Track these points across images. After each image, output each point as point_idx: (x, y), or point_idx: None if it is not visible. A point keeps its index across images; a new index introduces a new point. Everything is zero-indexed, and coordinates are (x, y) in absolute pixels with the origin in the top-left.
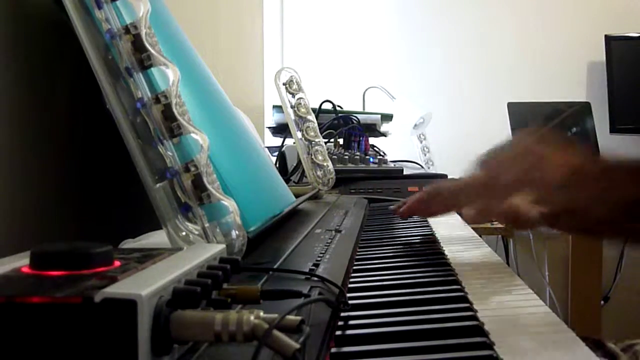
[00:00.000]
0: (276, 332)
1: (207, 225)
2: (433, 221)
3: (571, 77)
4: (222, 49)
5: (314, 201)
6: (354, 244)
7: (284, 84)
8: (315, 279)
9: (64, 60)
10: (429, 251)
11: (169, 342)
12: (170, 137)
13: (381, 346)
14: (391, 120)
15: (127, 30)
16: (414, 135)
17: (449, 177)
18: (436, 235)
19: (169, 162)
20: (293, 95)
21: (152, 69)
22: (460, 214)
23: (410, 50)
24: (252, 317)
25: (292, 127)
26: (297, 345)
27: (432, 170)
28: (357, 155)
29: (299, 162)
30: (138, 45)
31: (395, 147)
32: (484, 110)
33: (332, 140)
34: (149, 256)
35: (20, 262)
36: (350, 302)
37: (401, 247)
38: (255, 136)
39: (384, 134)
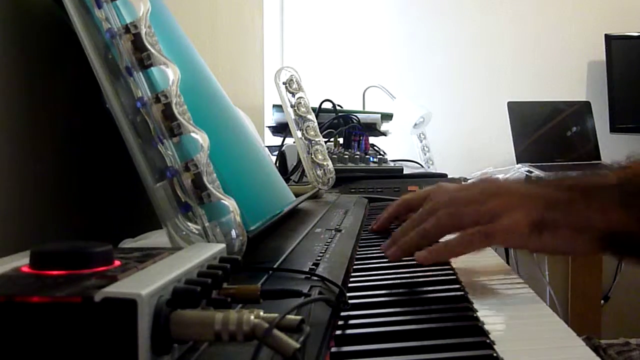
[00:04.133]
0: (276, 332)
1: (207, 224)
2: None
3: (571, 76)
4: (222, 49)
5: (314, 200)
6: (354, 244)
7: (284, 83)
8: (315, 278)
9: (63, 60)
10: None
11: (169, 341)
12: (171, 136)
13: (381, 346)
14: (391, 119)
15: (127, 29)
16: (414, 134)
17: (449, 176)
18: None
19: (169, 162)
20: (293, 94)
21: (152, 68)
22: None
23: (410, 50)
24: (252, 317)
25: (292, 126)
26: (297, 345)
27: (432, 170)
28: (357, 154)
29: (299, 162)
30: (138, 45)
31: (395, 146)
32: (483, 110)
33: (332, 139)
34: (149, 256)
35: (20, 261)
36: (350, 301)
37: None
38: (255, 135)
39: (384, 133)
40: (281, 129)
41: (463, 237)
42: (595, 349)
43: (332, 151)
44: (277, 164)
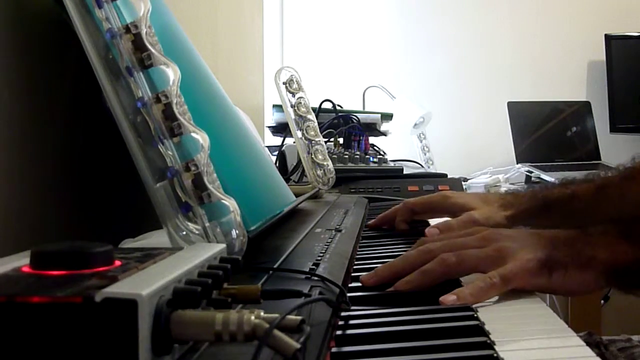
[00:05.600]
0: (277, 332)
1: (207, 224)
2: (433, 221)
3: (571, 76)
4: (222, 49)
5: (314, 200)
6: (354, 244)
7: (284, 83)
8: (316, 278)
9: (64, 60)
10: None
11: (169, 341)
12: (171, 136)
13: (381, 346)
14: (391, 119)
15: (127, 29)
16: (414, 134)
17: (448, 176)
18: None
19: (169, 162)
20: (293, 94)
21: (153, 68)
22: None
23: (410, 50)
24: (252, 317)
25: (292, 126)
26: (298, 345)
27: (432, 170)
28: (357, 154)
29: (299, 162)
30: (138, 45)
31: (395, 146)
32: (484, 110)
33: (332, 139)
34: (149, 256)
35: (21, 261)
36: (350, 301)
37: (401, 246)
38: (256, 135)
39: (384, 133)
40: (281, 129)
41: (485, 281)
42: (597, 345)
43: (332, 151)
44: (277, 164)
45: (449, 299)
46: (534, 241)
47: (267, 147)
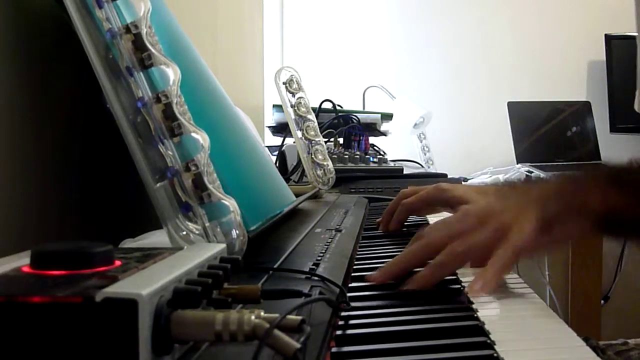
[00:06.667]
0: (277, 332)
1: (207, 224)
2: (432, 219)
3: (571, 76)
4: (222, 49)
5: (314, 200)
6: (354, 244)
7: (284, 83)
8: (316, 278)
9: (64, 60)
10: None
11: (169, 341)
12: (171, 136)
13: (381, 346)
14: (391, 119)
15: (127, 29)
16: (414, 134)
17: (448, 176)
18: None
19: (169, 162)
20: (293, 94)
21: (153, 68)
22: None
23: (410, 50)
24: (252, 317)
25: (292, 126)
26: (298, 345)
27: (432, 170)
28: (357, 154)
29: (299, 162)
30: (139, 45)
31: (395, 146)
32: (483, 110)
33: (332, 139)
34: (149, 256)
35: (21, 261)
36: (350, 301)
37: (401, 246)
38: (256, 135)
39: (384, 133)
40: (281, 129)
41: (499, 259)
42: (594, 349)
43: (332, 151)
44: (277, 164)
45: (475, 286)
46: (525, 205)
47: (267, 147)
